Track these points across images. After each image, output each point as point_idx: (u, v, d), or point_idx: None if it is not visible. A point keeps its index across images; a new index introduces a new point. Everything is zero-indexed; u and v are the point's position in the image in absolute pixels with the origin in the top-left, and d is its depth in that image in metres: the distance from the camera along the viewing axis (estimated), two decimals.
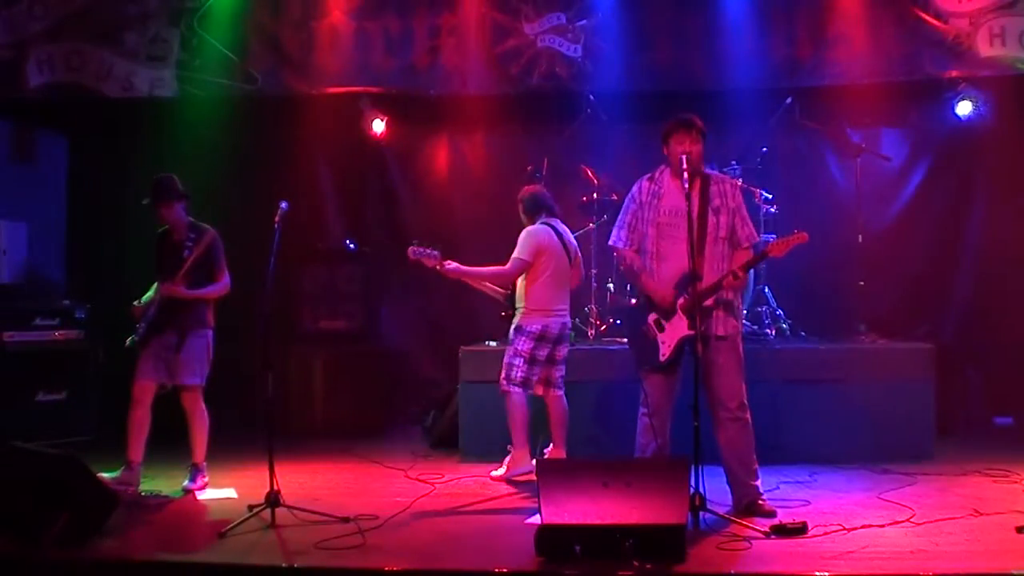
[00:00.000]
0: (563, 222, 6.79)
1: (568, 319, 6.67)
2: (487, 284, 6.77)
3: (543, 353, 6.51)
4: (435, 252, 6.39)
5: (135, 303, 6.30)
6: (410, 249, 6.41)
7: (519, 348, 6.48)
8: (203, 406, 6.32)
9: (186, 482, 6.26)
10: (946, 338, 8.08)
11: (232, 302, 6.54)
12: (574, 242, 6.81)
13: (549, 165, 8.04)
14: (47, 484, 4.95)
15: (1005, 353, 8.17)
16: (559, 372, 6.63)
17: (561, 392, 6.62)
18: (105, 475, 6.10)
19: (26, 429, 7.37)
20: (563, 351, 6.65)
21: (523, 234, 6.59)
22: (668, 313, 5.40)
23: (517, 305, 6.61)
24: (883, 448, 6.79)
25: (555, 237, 6.62)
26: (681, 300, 5.35)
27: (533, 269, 6.50)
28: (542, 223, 6.66)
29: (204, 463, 6.35)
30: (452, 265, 6.46)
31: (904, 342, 7.53)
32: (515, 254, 6.50)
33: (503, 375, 6.50)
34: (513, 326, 6.57)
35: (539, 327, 6.48)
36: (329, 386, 8.44)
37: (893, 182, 8.56)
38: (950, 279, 8.49)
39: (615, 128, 8.43)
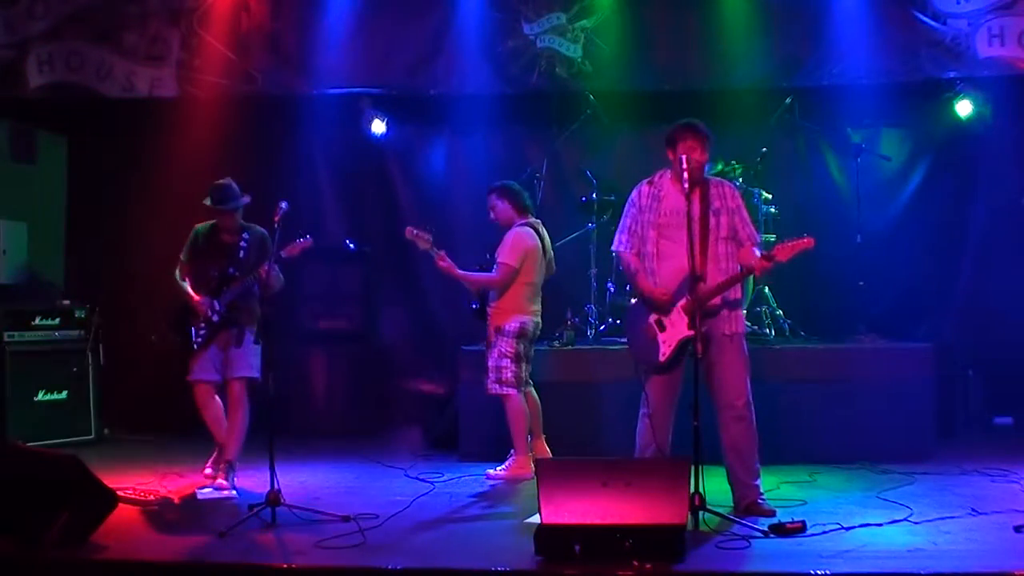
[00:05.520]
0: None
1: (540, 319, 6.70)
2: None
3: (523, 350, 6.55)
4: (428, 236, 6.57)
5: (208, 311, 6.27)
6: (408, 228, 6.64)
7: (504, 350, 6.49)
8: (247, 401, 6.30)
9: (220, 479, 6.16)
10: (946, 338, 8.07)
11: None
12: (548, 240, 6.82)
13: (549, 165, 8.04)
14: (47, 484, 4.95)
15: (1005, 353, 8.15)
16: (528, 370, 6.68)
17: (531, 387, 6.69)
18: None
19: (26, 429, 7.40)
20: (533, 350, 6.72)
21: (509, 238, 6.58)
22: (666, 309, 5.39)
23: (491, 303, 6.61)
24: (883, 448, 6.79)
25: (538, 240, 6.64)
26: (683, 301, 5.33)
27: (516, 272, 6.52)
28: (526, 224, 6.65)
29: (236, 460, 6.25)
30: (446, 263, 6.55)
31: (904, 342, 7.53)
32: (503, 259, 6.50)
33: (492, 379, 6.51)
34: (492, 328, 6.58)
35: (517, 325, 6.51)
36: (329, 386, 8.44)
37: (893, 182, 8.54)
38: (950, 279, 8.48)
39: (615, 128, 8.43)
